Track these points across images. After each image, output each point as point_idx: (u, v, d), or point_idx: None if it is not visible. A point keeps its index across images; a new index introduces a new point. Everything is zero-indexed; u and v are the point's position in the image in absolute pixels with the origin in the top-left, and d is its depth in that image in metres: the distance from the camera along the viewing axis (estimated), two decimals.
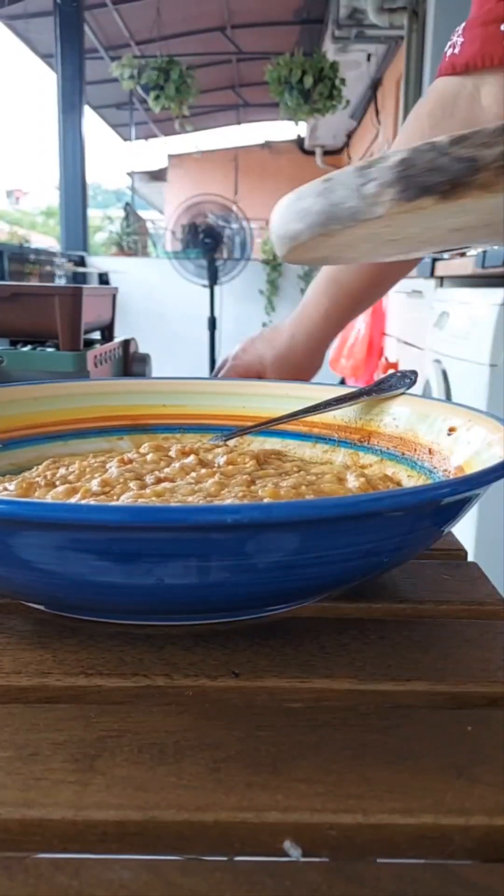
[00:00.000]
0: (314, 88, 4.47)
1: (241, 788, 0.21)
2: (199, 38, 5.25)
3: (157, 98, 4.74)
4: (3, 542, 0.25)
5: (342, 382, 2.85)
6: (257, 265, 4.12)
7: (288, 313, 0.70)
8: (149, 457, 0.42)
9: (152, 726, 0.24)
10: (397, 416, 0.44)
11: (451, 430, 0.39)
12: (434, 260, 1.99)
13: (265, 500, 0.34)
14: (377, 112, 5.52)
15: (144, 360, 1.00)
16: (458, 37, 0.57)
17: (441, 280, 1.94)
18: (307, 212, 0.24)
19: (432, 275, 1.96)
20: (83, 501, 0.34)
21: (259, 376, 0.64)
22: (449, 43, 0.58)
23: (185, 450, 0.43)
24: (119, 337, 0.99)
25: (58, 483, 0.37)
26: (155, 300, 4.06)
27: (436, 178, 0.20)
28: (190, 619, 0.31)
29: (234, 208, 3.85)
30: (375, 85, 5.54)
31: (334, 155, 8.44)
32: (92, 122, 7.39)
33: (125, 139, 7.64)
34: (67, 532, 0.25)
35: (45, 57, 5.39)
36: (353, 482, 0.38)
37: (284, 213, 0.24)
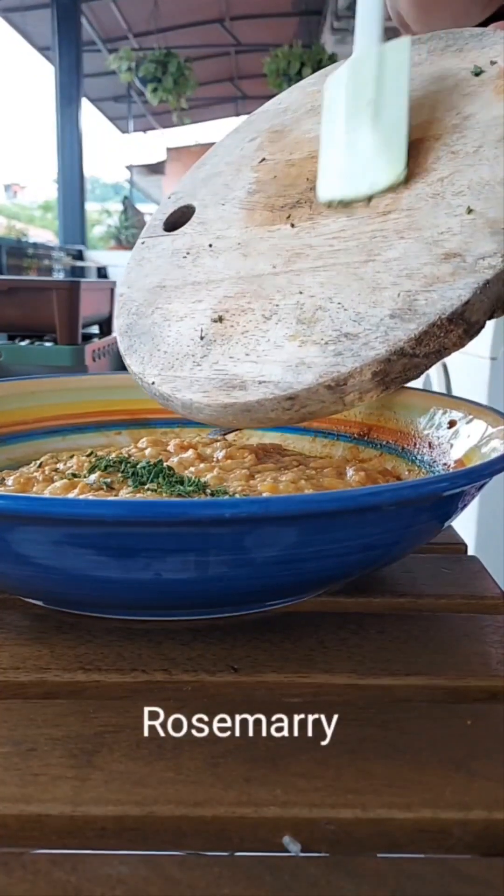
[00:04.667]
0: None
1: (240, 783, 0.21)
2: (197, 31, 5.22)
3: (154, 91, 4.72)
4: (1, 537, 0.25)
5: None
6: None
7: None
8: (147, 451, 0.42)
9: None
10: (397, 409, 0.43)
11: (452, 423, 0.39)
12: None
13: (264, 495, 0.34)
14: None
15: None
16: None
17: None
18: (273, 419, 0.26)
19: None
20: (81, 497, 0.34)
21: None
22: None
23: (184, 444, 0.43)
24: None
25: (56, 478, 0.37)
26: None
27: (412, 373, 0.24)
28: (188, 615, 0.30)
29: None
30: None
31: None
32: (90, 114, 7.35)
33: (123, 132, 7.61)
34: (65, 527, 0.24)
35: (42, 49, 5.36)
36: (352, 476, 0.38)
37: (237, 418, 0.26)
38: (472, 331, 0.23)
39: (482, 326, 0.23)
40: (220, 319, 0.27)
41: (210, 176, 0.35)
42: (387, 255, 0.24)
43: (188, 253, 0.31)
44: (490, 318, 0.23)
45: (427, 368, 0.24)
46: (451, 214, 0.24)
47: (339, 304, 0.24)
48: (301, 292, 0.25)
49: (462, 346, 0.23)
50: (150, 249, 0.35)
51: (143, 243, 0.36)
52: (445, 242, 0.23)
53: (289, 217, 0.29)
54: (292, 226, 0.28)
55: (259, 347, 0.26)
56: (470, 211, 0.23)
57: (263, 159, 0.32)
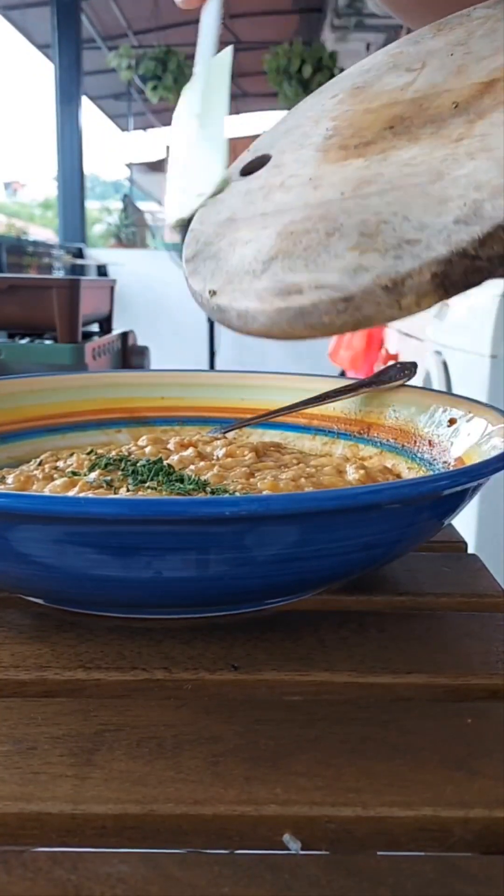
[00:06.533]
0: (313, 78, 4.44)
1: (240, 782, 0.21)
2: (196, 28, 5.21)
3: (154, 88, 4.71)
4: (1, 535, 0.25)
5: (342, 374, 2.84)
6: None
7: None
8: (147, 450, 0.42)
9: (151, 720, 0.24)
10: (397, 407, 0.43)
11: (452, 421, 0.39)
12: None
13: (264, 493, 0.34)
14: None
15: (143, 352, 1.00)
16: None
17: None
18: (327, 325, 0.25)
19: None
20: (81, 495, 0.34)
21: None
22: None
23: (184, 442, 0.43)
24: (117, 329, 0.99)
25: (56, 476, 0.37)
26: (154, 292, 4.05)
27: (473, 278, 0.23)
28: (189, 613, 0.30)
29: None
30: None
31: None
32: (90, 112, 7.35)
33: (123, 130, 7.60)
34: (65, 525, 0.24)
35: (42, 47, 5.35)
36: (352, 474, 0.38)
37: (291, 324, 0.25)
38: None
39: None
40: (283, 239, 0.27)
41: (290, 129, 0.36)
42: (456, 174, 0.25)
43: (260, 190, 0.32)
44: None
45: (489, 275, 0.23)
46: None
47: (403, 216, 0.24)
48: (366, 211, 0.26)
49: None
50: (224, 192, 0.36)
51: None
52: None
53: (361, 153, 0.29)
54: (364, 159, 0.29)
55: (319, 259, 0.26)
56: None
57: (344, 110, 0.33)
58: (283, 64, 4.43)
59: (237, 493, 0.34)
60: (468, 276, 0.23)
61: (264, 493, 0.34)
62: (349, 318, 0.25)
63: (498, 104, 0.27)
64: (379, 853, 0.19)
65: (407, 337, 2.35)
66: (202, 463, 0.39)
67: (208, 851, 0.19)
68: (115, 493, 0.34)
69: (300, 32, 5.18)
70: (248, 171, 0.36)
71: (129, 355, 0.98)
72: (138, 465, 0.37)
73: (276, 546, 0.26)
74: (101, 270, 4.06)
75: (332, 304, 0.24)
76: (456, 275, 0.23)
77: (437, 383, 1.57)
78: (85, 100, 4.50)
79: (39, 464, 0.40)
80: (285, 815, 0.20)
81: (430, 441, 0.40)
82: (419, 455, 0.40)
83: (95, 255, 4.29)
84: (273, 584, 0.28)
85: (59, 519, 0.24)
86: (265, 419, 0.47)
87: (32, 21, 4.92)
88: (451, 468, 0.36)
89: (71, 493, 0.34)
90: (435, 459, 0.39)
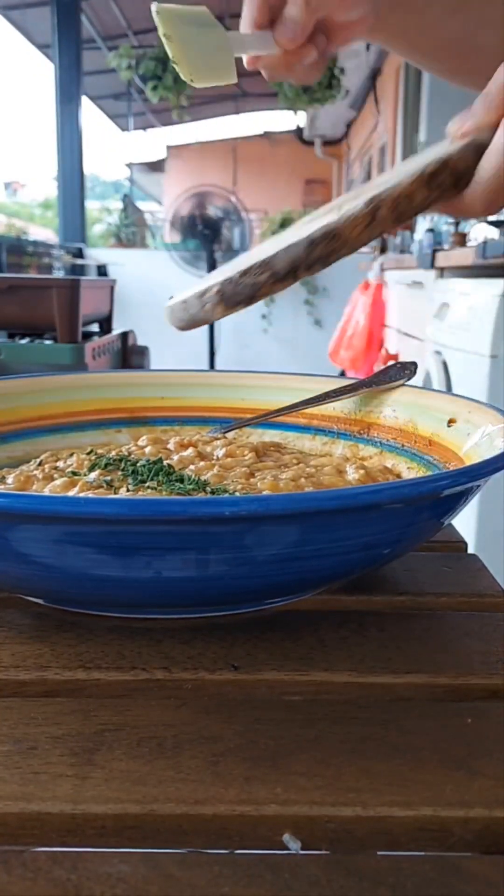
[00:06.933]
0: None
1: (240, 782, 0.21)
2: None
3: (154, 88, 4.71)
4: (1, 535, 0.25)
5: (342, 374, 2.84)
6: None
7: (287, 305, 0.69)
8: (147, 450, 0.42)
9: (151, 720, 0.24)
10: (397, 407, 0.43)
11: (451, 421, 0.39)
12: (434, 251, 1.98)
13: (264, 493, 0.34)
14: (377, 101, 5.49)
15: (143, 352, 1.00)
16: None
17: (441, 271, 1.94)
18: (181, 318, 0.37)
19: (433, 266, 1.95)
20: (81, 495, 0.34)
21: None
22: None
23: (184, 442, 0.43)
24: (117, 329, 0.99)
25: (56, 476, 0.37)
26: (154, 292, 4.04)
27: (240, 296, 0.34)
28: (188, 613, 0.30)
29: (233, 199, 3.84)
30: (375, 74, 5.50)
31: (334, 145, 8.37)
32: (90, 112, 7.35)
33: (123, 130, 7.60)
34: (65, 525, 0.24)
35: (42, 47, 5.35)
36: (352, 474, 0.38)
37: (176, 316, 0.37)
38: (278, 276, 0.34)
39: (290, 278, 0.34)
40: (221, 274, 0.38)
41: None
42: (288, 237, 0.35)
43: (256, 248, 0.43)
44: (295, 275, 0.34)
45: (249, 297, 0.34)
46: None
47: (255, 260, 0.35)
48: (257, 256, 0.36)
49: (274, 287, 0.34)
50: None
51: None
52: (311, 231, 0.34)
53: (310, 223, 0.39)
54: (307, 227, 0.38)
55: (205, 282, 0.37)
56: (341, 207, 0.35)
57: (344, 198, 0.43)
58: None
59: (237, 493, 0.34)
60: (235, 294, 0.34)
61: (264, 493, 0.34)
62: (187, 315, 0.36)
63: (359, 195, 0.36)
64: (379, 853, 0.19)
65: (407, 337, 2.35)
66: (202, 463, 0.39)
67: (208, 851, 0.19)
68: (115, 493, 0.34)
69: None
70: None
71: (129, 355, 0.98)
72: (138, 465, 0.37)
73: (276, 546, 0.26)
74: (101, 270, 4.05)
75: (180, 305, 0.37)
76: (228, 292, 0.34)
77: (437, 383, 1.57)
78: (85, 100, 4.50)
79: (39, 464, 0.40)
80: (285, 814, 0.20)
81: (430, 441, 0.40)
82: (419, 455, 0.40)
83: (95, 255, 4.29)
84: (273, 584, 0.28)
85: (59, 519, 0.24)
86: (265, 419, 0.47)
87: (32, 21, 4.92)
88: (451, 468, 0.36)
89: (71, 493, 0.34)
90: (435, 459, 0.39)
